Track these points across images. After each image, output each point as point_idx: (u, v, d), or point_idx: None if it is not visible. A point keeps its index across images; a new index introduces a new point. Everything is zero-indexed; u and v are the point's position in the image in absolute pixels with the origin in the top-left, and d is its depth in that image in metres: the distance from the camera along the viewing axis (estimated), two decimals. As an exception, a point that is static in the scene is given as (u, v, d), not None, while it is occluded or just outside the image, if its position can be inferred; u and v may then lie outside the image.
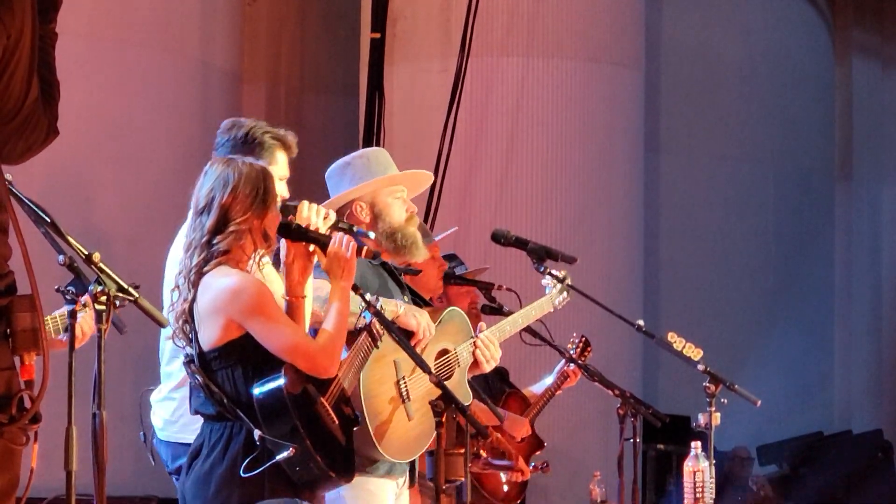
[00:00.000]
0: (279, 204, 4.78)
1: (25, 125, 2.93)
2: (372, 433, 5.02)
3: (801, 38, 13.20)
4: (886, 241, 14.01)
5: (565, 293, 6.14)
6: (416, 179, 5.63)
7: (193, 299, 4.49)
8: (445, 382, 5.05)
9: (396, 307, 5.19)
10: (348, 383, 4.78)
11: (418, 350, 5.13)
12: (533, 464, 7.23)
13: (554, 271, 6.21)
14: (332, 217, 4.92)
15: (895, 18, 14.18)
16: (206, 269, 4.48)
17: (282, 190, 4.99)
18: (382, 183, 5.40)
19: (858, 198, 14.00)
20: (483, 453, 6.83)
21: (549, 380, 7.40)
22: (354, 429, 4.74)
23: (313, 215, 4.85)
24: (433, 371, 5.04)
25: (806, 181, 13.21)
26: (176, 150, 8.67)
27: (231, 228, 4.49)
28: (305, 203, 4.88)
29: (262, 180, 4.55)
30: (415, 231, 5.46)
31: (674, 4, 12.29)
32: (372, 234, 5.15)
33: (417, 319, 5.22)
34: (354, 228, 4.99)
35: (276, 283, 4.79)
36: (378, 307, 4.87)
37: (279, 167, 5.06)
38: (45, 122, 2.97)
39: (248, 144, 5.05)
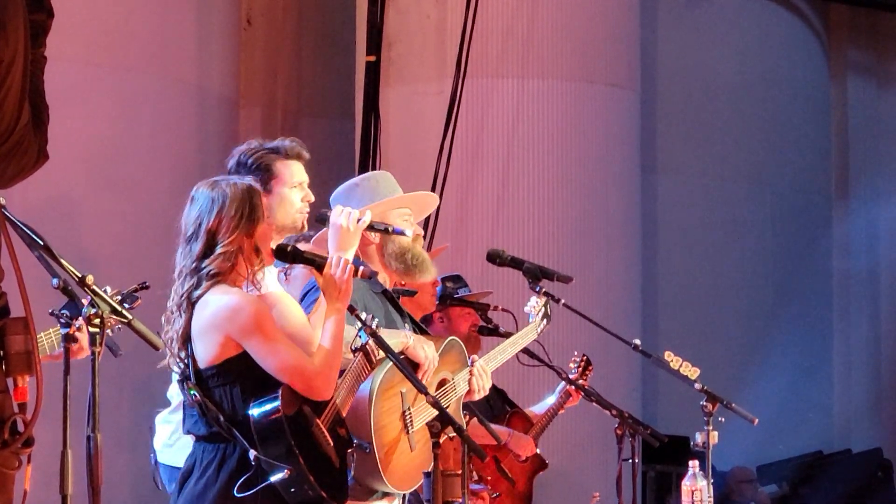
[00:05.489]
0: (318, 214, 4.87)
1: (16, 149, 2.94)
2: (380, 465, 5.03)
3: (797, 57, 13.22)
4: (884, 259, 14.00)
5: (545, 321, 6.20)
6: (422, 202, 5.70)
7: (188, 324, 4.50)
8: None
9: (406, 338, 5.21)
10: (341, 401, 4.79)
11: (423, 381, 5.14)
12: None
13: (535, 298, 6.24)
14: (368, 217, 4.97)
15: (890, 37, 14.19)
16: (197, 292, 4.49)
17: (306, 194, 5.03)
18: (392, 204, 5.44)
19: (855, 216, 13.99)
20: (476, 475, 6.81)
21: (551, 399, 7.40)
22: (352, 454, 4.74)
23: (344, 219, 4.90)
24: (430, 392, 5.04)
25: (802, 200, 13.21)
26: (172, 174, 8.66)
27: (219, 251, 4.50)
28: (339, 207, 4.95)
29: (248, 198, 4.57)
30: (423, 251, 5.50)
31: (669, 25, 12.31)
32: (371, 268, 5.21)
33: (425, 352, 5.24)
34: (390, 229, 5.09)
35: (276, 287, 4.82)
36: (374, 326, 4.87)
37: (294, 177, 5.07)
38: (36, 147, 2.98)
39: (256, 171, 5.07)
